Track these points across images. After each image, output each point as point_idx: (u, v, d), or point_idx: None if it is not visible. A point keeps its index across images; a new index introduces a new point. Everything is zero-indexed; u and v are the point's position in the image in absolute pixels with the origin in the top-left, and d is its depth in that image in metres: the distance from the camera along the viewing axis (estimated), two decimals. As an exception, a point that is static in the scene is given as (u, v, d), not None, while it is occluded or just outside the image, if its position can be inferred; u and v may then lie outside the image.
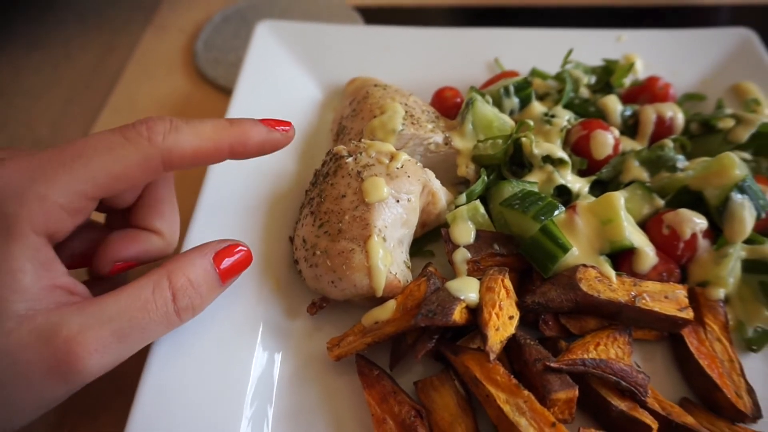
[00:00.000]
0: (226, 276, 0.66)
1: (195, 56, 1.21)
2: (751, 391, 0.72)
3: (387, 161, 0.79)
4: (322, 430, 0.70)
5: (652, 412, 0.68)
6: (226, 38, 1.22)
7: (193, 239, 0.78)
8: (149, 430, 0.63)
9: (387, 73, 1.05)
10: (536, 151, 0.83)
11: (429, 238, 0.87)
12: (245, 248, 0.69)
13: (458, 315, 0.69)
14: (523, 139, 0.84)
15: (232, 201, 0.86)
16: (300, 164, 0.95)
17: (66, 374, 0.54)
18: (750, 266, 0.80)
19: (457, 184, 0.92)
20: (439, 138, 0.87)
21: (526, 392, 0.65)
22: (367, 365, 0.73)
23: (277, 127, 0.70)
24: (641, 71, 1.07)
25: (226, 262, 0.66)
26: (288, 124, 0.72)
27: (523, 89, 0.93)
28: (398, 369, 0.75)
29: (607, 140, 0.86)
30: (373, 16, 1.31)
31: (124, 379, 0.68)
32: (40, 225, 0.55)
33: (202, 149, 0.63)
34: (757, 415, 0.70)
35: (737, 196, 0.76)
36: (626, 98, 1.02)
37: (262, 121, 0.69)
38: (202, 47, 1.22)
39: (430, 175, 0.82)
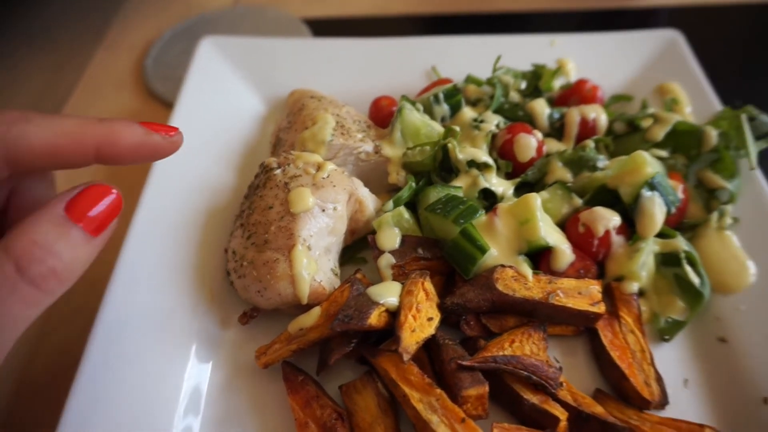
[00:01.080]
0: (94, 225, 0.54)
1: (144, 73, 1.23)
2: (659, 379, 0.75)
3: (314, 171, 0.82)
4: (251, 435, 0.73)
5: (564, 404, 0.72)
6: (176, 55, 1.25)
7: (129, 254, 0.81)
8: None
9: (328, 85, 1.09)
10: (460, 156, 0.87)
11: (361, 245, 0.90)
12: (107, 186, 0.56)
13: (375, 319, 0.72)
14: (449, 145, 0.87)
15: (170, 215, 0.89)
16: (240, 178, 0.98)
17: None
18: (665, 260, 0.83)
19: (391, 192, 0.95)
20: (369, 147, 0.90)
21: (438, 390, 0.68)
22: (292, 371, 0.75)
23: (159, 131, 0.60)
24: (574, 74, 1.10)
25: (90, 210, 0.53)
26: (174, 129, 0.62)
27: (453, 96, 0.96)
28: (327, 374, 0.78)
29: (530, 143, 0.89)
30: (321, 28, 1.34)
31: (55, 391, 0.70)
32: None
33: (58, 146, 0.53)
34: (663, 401, 0.73)
35: (647, 193, 0.80)
36: (558, 101, 1.05)
37: (143, 123, 0.60)
38: (152, 64, 1.25)
39: (357, 183, 0.85)
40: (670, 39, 1.09)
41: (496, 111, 0.98)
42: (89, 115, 0.57)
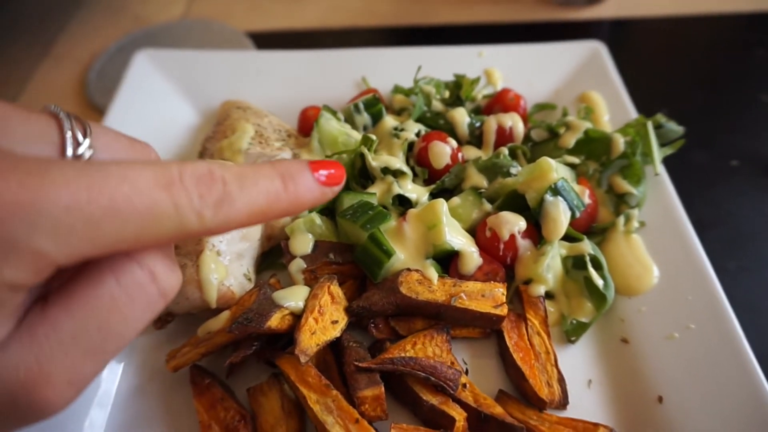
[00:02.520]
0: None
1: (86, 86, 1.25)
2: (561, 380, 0.76)
3: (226, 179, 0.83)
4: (156, 439, 0.73)
5: (465, 405, 0.73)
6: (119, 68, 1.27)
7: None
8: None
9: (262, 96, 1.11)
10: (374, 163, 0.89)
11: (281, 250, 0.91)
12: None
13: (276, 322, 0.73)
14: (364, 153, 0.89)
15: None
16: (168, 185, 1.00)
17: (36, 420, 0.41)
18: (575, 263, 0.85)
19: (316, 198, 0.97)
20: (286, 155, 0.92)
21: (334, 392, 0.69)
22: (199, 374, 0.76)
23: (331, 184, 0.50)
24: (501, 84, 1.13)
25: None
26: (340, 173, 0.52)
27: (373, 105, 0.99)
28: (237, 378, 0.78)
29: (444, 150, 0.91)
30: (265, 42, 1.37)
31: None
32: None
33: (248, 223, 0.45)
34: (564, 402, 0.75)
35: (550, 198, 0.82)
36: (485, 110, 1.08)
37: (313, 166, 0.49)
38: (95, 77, 1.27)
39: (272, 190, 0.86)
40: (592, 50, 1.13)
41: (419, 120, 1.01)
42: (271, 172, 0.46)
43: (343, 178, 0.52)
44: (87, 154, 0.46)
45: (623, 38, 1.46)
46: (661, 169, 0.91)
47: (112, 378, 0.78)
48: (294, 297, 0.76)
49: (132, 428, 0.74)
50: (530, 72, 1.13)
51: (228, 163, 0.45)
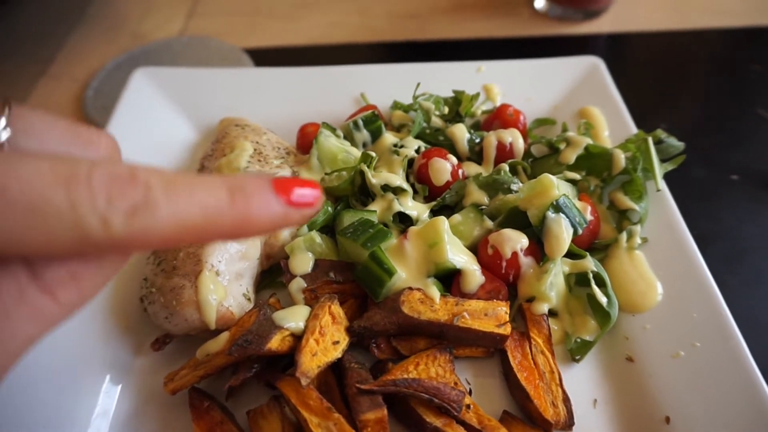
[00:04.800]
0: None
1: (84, 104, 1.25)
2: (566, 400, 0.75)
3: (225, 198, 0.83)
4: (153, 464, 0.71)
5: (469, 427, 0.71)
6: (117, 85, 1.27)
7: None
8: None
9: (260, 113, 1.10)
10: (374, 180, 0.88)
11: (281, 269, 0.90)
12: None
13: (277, 343, 0.72)
14: (364, 170, 0.89)
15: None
16: (166, 204, 0.99)
17: None
18: (578, 280, 0.85)
19: (315, 216, 0.96)
20: (286, 173, 0.91)
21: (336, 415, 0.68)
22: (198, 397, 0.75)
23: (300, 206, 0.41)
24: (500, 99, 1.13)
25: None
26: (316, 192, 0.42)
27: (373, 122, 0.98)
28: (238, 400, 0.77)
29: (444, 167, 0.91)
30: (263, 58, 1.37)
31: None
32: None
33: (175, 240, 0.37)
34: (569, 423, 0.73)
35: (552, 215, 0.81)
36: (484, 126, 1.08)
37: (277, 185, 0.40)
38: (92, 95, 1.26)
39: (271, 209, 0.86)
40: (591, 65, 1.13)
41: (419, 136, 1.00)
42: (216, 180, 0.39)
43: (318, 200, 0.42)
44: (2, 136, 0.41)
45: (620, 53, 1.47)
46: (662, 184, 0.90)
47: (109, 401, 0.76)
48: (294, 317, 0.75)
49: (129, 454, 0.72)
50: (529, 87, 1.13)
51: (167, 170, 0.37)
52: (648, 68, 1.40)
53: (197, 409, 0.73)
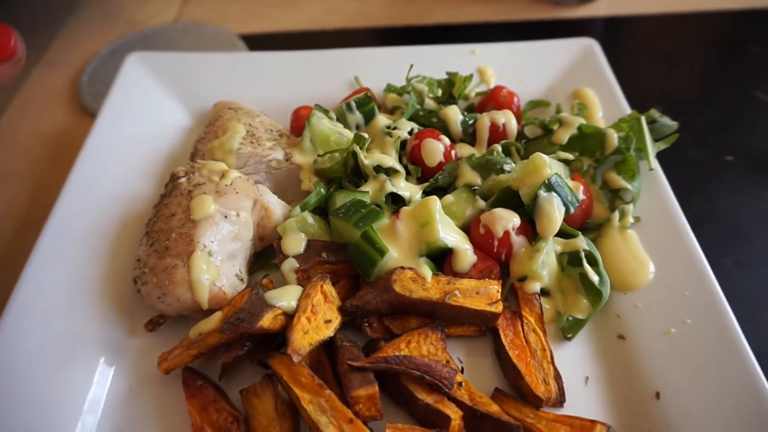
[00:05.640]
0: None
1: (79, 90, 1.25)
2: (558, 377, 0.75)
3: (217, 179, 0.83)
4: (147, 442, 0.72)
5: (461, 404, 0.72)
6: (111, 71, 1.26)
7: (38, 261, 0.82)
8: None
9: (254, 97, 1.11)
10: (366, 161, 0.88)
11: (274, 250, 0.90)
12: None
13: (269, 322, 0.72)
14: (356, 151, 0.89)
15: (84, 223, 0.89)
16: (160, 187, 0.99)
17: None
18: (571, 260, 0.85)
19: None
20: (278, 155, 0.92)
21: (327, 392, 0.68)
22: (191, 377, 0.75)
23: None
24: (494, 81, 1.13)
25: None
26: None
27: (366, 104, 0.98)
28: (231, 379, 0.78)
29: (436, 148, 0.91)
30: (258, 44, 1.37)
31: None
32: None
33: None
34: (560, 399, 0.74)
35: (544, 194, 0.81)
36: (478, 108, 1.08)
37: None
38: (87, 81, 1.26)
39: (263, 190, 0.86)
40: (585, 47, 1.13)
41: (412, 118, 1.00)
42: None
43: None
44: None
45: (616, 36, 1.46)
46: (655, 164, 0.90)
47: (103, 381, 0.77)
48: (286, 297, 0.75)
49: (125, 431, 0.73)
50: (523, 69, 1.13)
51: None
52: (645, 51, 1.40)
53: (191, 387, 0.74)
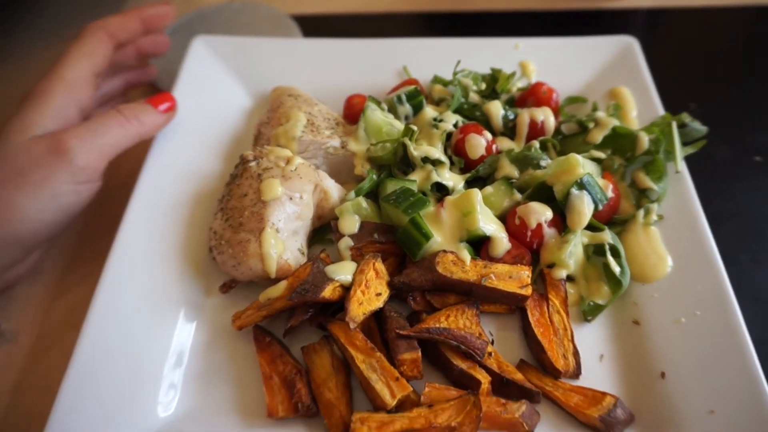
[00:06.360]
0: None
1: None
2: (576, 353, 0.86)
3: (283, 165, 0.94)
4: (225, 386, 0.86)
5: (490, 371, 0.84)
6: (175, 49, 1.35)
7: (127, 231, 0.94)
8: (83, 388, 0.78)
9: (308, 82, 1.19)
10: (415, 153, 0.97)
11: (329, 228, 1.02)
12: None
13: (329, 292, 0.84)
14: (406, 143, 0.98)
15: (164, 197, 1.01)
16: (226, 166, 1.10)
17: (58, 152, 0.88)
18: (596, 250, 0.94)
19: (360, 182, 1.06)
20: (336, 142, 1.01)
21: (378, 354, 0.81)
22: (261, 333, 0.88)
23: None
24: (535, 76, 1.19)
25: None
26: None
27: (415, 97, 1.06)
28: (292, 337, 0.90)
29: (479, 142, 0.99)
30: (310, 25, 1.44)
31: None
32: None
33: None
34: (577, 372, 0.85)
35: (576, 191, 0.90)
36: (518, 102, 1.15)
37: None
38: (154, 59, 1.36)
39: (323, 175, 0.96)
40: (625, 45, 1.18)
41: (456, 111, 1.08)
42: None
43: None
44: None
45: (659, 28, 1.49)
46: (682, 166, 0.97)
47: (187, 334, 0.90)
48: (343, 271, 0.87)
49: (206, 376, 0.86)
50: (563, 65, 1.19)
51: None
52: (686, 45, 1.42)
53: (261, 343, 0.87)
